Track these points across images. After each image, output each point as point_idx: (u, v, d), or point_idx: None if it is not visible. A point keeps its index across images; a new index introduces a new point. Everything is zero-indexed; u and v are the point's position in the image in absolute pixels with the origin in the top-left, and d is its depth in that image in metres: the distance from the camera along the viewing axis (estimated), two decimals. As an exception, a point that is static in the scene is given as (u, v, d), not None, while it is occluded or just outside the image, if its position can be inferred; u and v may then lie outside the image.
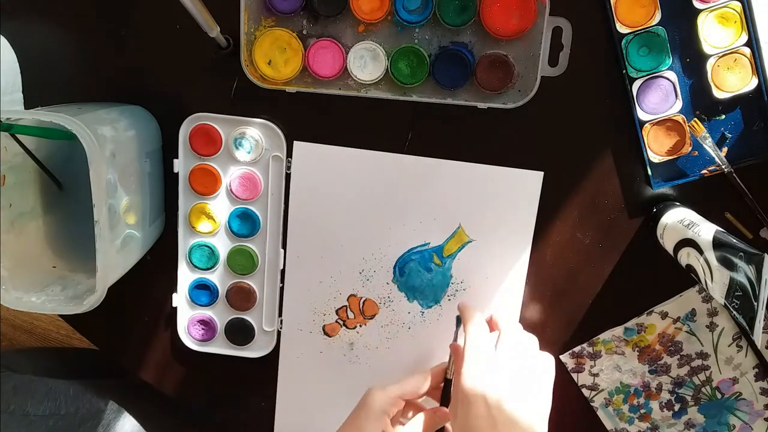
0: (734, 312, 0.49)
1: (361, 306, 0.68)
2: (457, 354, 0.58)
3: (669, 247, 0.58)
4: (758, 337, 0.47)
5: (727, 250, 0.49)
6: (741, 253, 0.48)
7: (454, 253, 0.66)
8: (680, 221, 0.57)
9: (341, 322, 0.69)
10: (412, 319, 0.68)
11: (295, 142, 0.64)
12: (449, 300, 0.67)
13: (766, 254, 0.46)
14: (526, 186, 0.63)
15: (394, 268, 0.67)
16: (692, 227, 0.55)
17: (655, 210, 0.61)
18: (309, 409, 0.71)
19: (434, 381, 0.59)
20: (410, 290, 0.67)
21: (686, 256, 0.55)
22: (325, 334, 0.69)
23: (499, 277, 0.66)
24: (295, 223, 0.66)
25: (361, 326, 0.69)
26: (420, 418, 0.58)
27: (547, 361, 0.56)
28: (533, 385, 0.53)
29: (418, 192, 0.64)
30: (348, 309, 0.69)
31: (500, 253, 0.65)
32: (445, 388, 0.59)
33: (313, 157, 0.64)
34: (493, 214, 0.64)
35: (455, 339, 0.60)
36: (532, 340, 0.57)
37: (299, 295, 0.68)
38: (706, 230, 0.53)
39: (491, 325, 0.59)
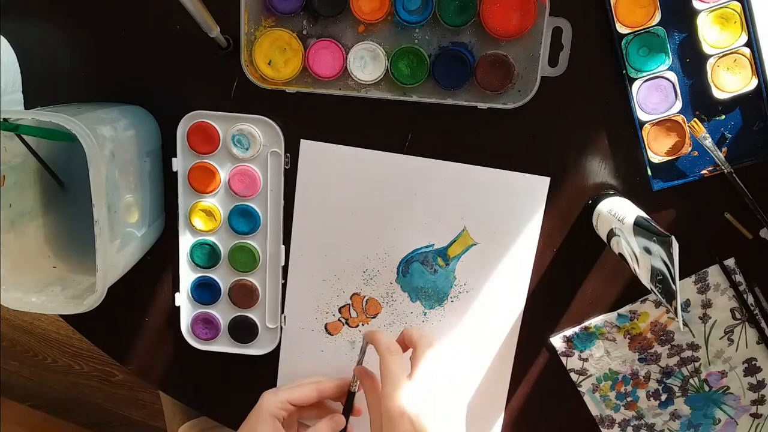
0: (659, 296, 0.50)
1: (364, 305, 0.68)
2: (363, 377, 0.61)
3: (603, 236, 0.59)
4: (680, 318, 0.48)
5: (645, 236, 0.50)
6: (654, 237, 0.48)
7: (458, 255, 0.66)
8: (609, 210, 0.57)
9: (344, 321, 0.69)
10: (415, 320, 0.68)
11: (301, 140, 0.64)
12: (452, 302, 0.67)
13: (672, 236, 0.46)
14: (532, 191, 0.63)
15: (398, 268, 0.67)
16: (618, 216, 0.55)
17: (590, 201, 0.62)
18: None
19: (335, 392, 0.64)
20: (414, 291, 0.67)
21: (616, 245, 0.56)
22: (327, 332, 0.69)
23: (503, 281, 0.66)
24: (300, 221, 0.66)
25: (363, 325, 0.69)
26: (320, 424, 0.62)
27: (456, 369, 0.60)
28: (447, 396, 0.56)
29: (424, 193, 0.65)
30: (351, 307, 0.69)
31: (505, 257, 0.65)
32: (348, 400, 0.63)
33: (319, 156, 0.64)
34: (499, 217, 0.64)
35: (360, 360, 0.62)
36: (441, 351, 0.60)
37: (302, 293, 0.68)
38: (629, 218, 0.53)
39: (404, 340, 0.60)
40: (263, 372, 0.71)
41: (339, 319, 0.69)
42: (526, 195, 0.63)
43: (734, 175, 0.59)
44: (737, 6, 0.57)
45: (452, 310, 0.67)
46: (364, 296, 0.68)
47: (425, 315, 0.68)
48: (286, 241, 0.67)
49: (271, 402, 0.61)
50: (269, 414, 0.60)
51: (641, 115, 0.60)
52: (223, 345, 0.69)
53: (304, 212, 0.66)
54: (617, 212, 0.56)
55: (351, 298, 0.68)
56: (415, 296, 0.68)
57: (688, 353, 0.66)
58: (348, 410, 0.63)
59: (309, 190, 0.66)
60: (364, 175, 0.65)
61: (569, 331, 0.66)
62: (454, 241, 0.66)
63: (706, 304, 0.64)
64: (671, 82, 0.59)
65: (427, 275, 0.67)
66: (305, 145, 0.64)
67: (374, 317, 0.69)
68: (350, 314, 0.69)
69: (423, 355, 0.57)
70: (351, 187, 0.65)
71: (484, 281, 0.66)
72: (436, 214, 0.65)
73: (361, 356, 0.63)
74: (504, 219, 0.64)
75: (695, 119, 0.59)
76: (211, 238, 0.66)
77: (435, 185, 0.64)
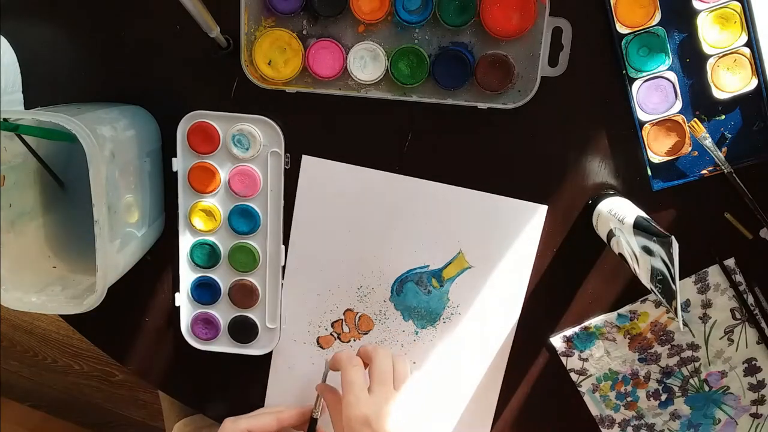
0: (659, 296, 0.50)
1: (356, 321, 0.69)
2: (326, 392, 0.64)
3: (603, 236, 0.59)
4: (680, 318, 0.48)
5: (645, 236, 0.50)
6: (654, 237, 0.48)
7: (453, 278, 0.66)
8: (609, 210, 0.57)
9: (336, 335, 0.69)
10: (406, 338, 0.68)
11: (303, 156, 0.64)
12: (444, 323, 0.67)
13: (672, 236, 0.46)
14: (529, 218, 0.64)
15: (393, 286, 0.67)
16: (618, 216, 0.55)
17: (590, 201, 0.62)
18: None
19: (297, 419, 0.66)
20: (406, 310, 0.68)
21: (616, 245, 0.56)
22: (319, 345, 0.70)
23: (496, 305, 0.66)
24: (298, 235, 0.67)
25: (355, 341, 0.69)
26: None
27: (405, 371, 0.62)
28: (404, 404, 0.59)
29: (422, 214, 0.65)
30: (343, 323, 0.69)
31: (499, 282, 0.66)
32: (310, 426, 0.65)
33: (321, 172, 0.65)
34: (495, 242, 0.65)
35: (324, 380, 0.64)
36: (392, 355, 0.63)
37: (296, 306, 0.68)
38: (629, 218, 0.53)
39: (363, 355, 0.63)
40: (263, 372, 0.71)
41: (331, 334, 0.69)
42: (523, 222, 0.64)
43: (734, 175, 0.59)
44: (737, 6, 0.57)
45: (444, 331, 0.68)
46: (357, 312, 0.68)
47: (417, 334, 0.68)
48: (286, 241, 0.67)
49: (232, 431, 0.62)
50: None
51: (641, 115, 0.60)
52: (223, 345, 0.69)
53: (303, 227, 0.66)
54: (617, 212, 0.56)
55: (344, 314, 0.69)
56: (408, 315, 0.68)
57: (688, 353, 0.66)
58: None
59: (308, 205, 0.66)
60: (364, 193, 0.65)
61: (569, 331, 0.66)
62: (449, 263, 0.66)
63: (706, 304, 0.64)
64: (671, 82, 0.59)
65: (421, 295, 0.67)
66: (307, 161, 0.65)
67: (366, 333, 0.69)
68: (342, 329, 0.69)
69: (379, 364, 0.60)
70: (350, 205, 0.65)
71: (478, 304, 0.67)
72: (433, 236, 0.65)
73: (323, 378, 0.65)
74: (500, 245, 0.65)
75: (695, 119, 0.59)
76: (211, 238, 0.66)
77: (433, 207, 0.64)
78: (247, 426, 0.63)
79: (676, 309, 0.47)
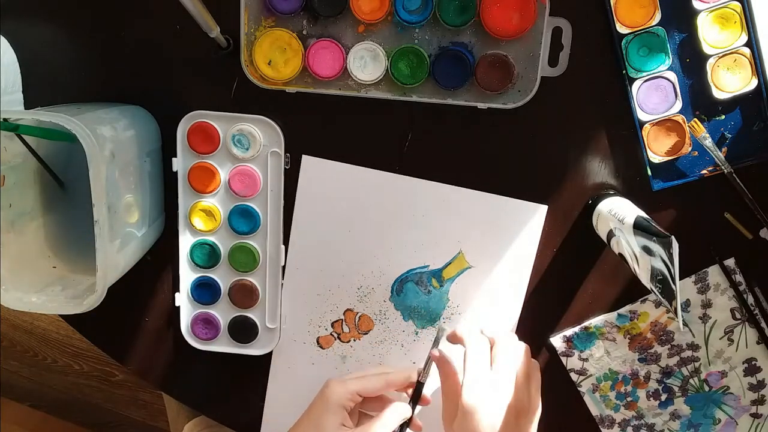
0: (659, 296, 0.50)
1: (356, 321, 0.69)
2: (443, 363, 0.59)
3: (603, 236, 0.59)
4: (680, 318, 0.48)
5: (645, 236, 0.50)
6: (654, 237, 0.48)
7: (453, 278, 0.66)
8: (609, 210, 0.57)
9: (336, 335, 0.69)
10: (406, 338, 0.68)
11: (303, 156, 0.64)
12: (444, 323, 0.67)
13: (672, 236, 0.46)
14: (529, 218, 0.64)
15: (392, 286, 0.67)
16: (618, 216, 0.55)
17: (590, 201, 0.62)
18: (296, 418, 0.71)
19: (403, 382, 0.61)
20: (406, 310, 0.68)
21: (616, 245, 0.56)
22: (319, 345, 0.70)
23: (496, 305, 0.66)
24: (298, 235, 0.67)
25: (355, 341, 0.69)
26: (387, 415, 0.59)
27: (535, 368, 0.60)
28: (526, 392, 0.57)
29: (422, 215, 0.65)
30: (343, 323, 0.69)
31: (498, 282, 0.66)
32: (416, 390, 0.61)
33: (321, 172, 0.65)
34: (495, 243, 0.65)
35: (436, 345, 0.61)
36: (523, 348, 0.60)
37: (296, 306, 0.69)
38: (629, 218, 0.53)
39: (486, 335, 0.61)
40: (263, 372, 0.71)
41: (331, 334, 0.69)
42: (523, 222, 0.64)
43: (734, 175, 0.59)
44: (737, 6, 0.57)
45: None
46: (357, 312, 0.68)
47: (417, 334, 0.68)
48: (286, 241, 0.67)
49: (339, 392, 0.58)
50: (337, 404, 0.58)
51: (641, 115, 0.60)
52: (223, 345, 0.69)
53: (303, 227, 0.66)
54: (617, 212, 0.56)
55: (344, 314, 0.69)
56: (408, 315, 0.68)
57: (688, 353, 0.66)
58: (416, 400, 0.61)
59: (308, 205, 0.66)
60: (364, 193, 0.65)
61: (569, 331, 0.66)
62: (449, 264, 0.66)
63: (706, 304, 0.64)
64: (671, 82, 0.59)
65: (421, 295, 0.67)
66: (307, 161, 0.65)
67: (366, 333, 0.69)
68: (342, 329, 0.69)
69: (505, 353, 0.58)
70: (350, 205, 0.65)
71: (477, 304, 0.67)
72: (433, 236, 0.65)
73: (435, 344, 0.61)
74: (500, 245, 0.65)
75: (695, 119, 0.59)
76: (211, 238, 0.66)
77: (433, 207, 0.64)
78: (356, 389, 0.58)
79: (676, 309, 0.47)
